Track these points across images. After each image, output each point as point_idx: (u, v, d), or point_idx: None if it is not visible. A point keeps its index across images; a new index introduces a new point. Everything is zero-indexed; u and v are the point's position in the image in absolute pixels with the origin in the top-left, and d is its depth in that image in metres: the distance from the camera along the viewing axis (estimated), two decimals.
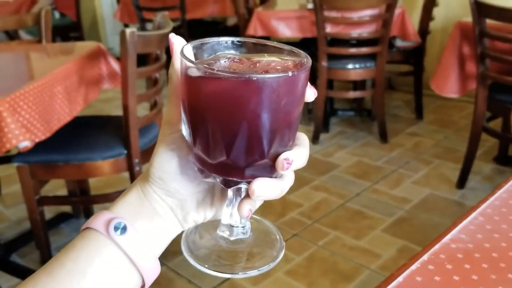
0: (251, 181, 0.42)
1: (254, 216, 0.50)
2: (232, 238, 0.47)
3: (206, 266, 0.45)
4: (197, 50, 0.45)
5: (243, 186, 0.45)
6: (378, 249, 2.16)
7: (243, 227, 0.48)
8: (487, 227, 0.72)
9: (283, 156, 0.42)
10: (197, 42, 0.45)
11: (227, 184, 0.44)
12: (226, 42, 0.46)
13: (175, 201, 0.47)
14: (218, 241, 0.48)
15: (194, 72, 0.41)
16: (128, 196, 0.47)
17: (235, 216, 0.47)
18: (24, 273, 2.06)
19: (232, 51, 0.46)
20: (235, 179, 0.43)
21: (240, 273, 0.45)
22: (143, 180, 0.48)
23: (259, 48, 0.46)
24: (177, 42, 0.46)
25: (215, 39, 0.46)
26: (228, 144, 0.41)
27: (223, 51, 0.46)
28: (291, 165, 0.42)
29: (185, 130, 0.45)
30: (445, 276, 0.62)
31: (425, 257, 0.65)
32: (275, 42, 0.46)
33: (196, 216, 0.49)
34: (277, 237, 0.49)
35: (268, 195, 0.43)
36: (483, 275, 0.62)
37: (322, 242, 2.23)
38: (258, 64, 0.43)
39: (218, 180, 0.44)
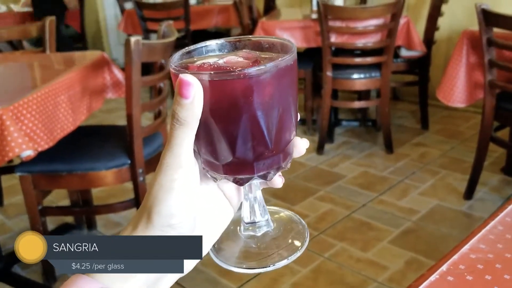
0: (263, 174, 0.44)
1: (272, 207, 0.51)
2: (259, 234, 0.49)
3: (244, 266, 0.46)
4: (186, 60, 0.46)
5: (255, 181, 0.46)
6: (385, 261, 2.13)
7: (266, 220, 0.49)
8: (507, 236, 0.69)
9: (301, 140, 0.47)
10: (182, 51, 0.46)
11: (240, 183, 0.45)
12: (209, 45, 0.48)
13: None
14: (246, 240, 0.49)
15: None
16: None
17: (256, 211, 0.48)
18: (26, 284, 2.03)
19: (217, 52, 0.48)
20: (246, 176, 0.44)
21: (271, 265, 0.46)
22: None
23: (243, 44, 0.48)
24: (192, 80, 0.40)
25: (197, 45, 0.47)
26: (231, 143, 0.42)
27: (209, 53, 0.47)
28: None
29: None
30: None
31: (443, 267, 0.62)
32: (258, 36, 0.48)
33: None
34: (299, 222, 0.51)
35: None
36: (506, 287, 0.59)
37: (328, 254, 2.20)
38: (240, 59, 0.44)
39: (230, 179, 0.45)
